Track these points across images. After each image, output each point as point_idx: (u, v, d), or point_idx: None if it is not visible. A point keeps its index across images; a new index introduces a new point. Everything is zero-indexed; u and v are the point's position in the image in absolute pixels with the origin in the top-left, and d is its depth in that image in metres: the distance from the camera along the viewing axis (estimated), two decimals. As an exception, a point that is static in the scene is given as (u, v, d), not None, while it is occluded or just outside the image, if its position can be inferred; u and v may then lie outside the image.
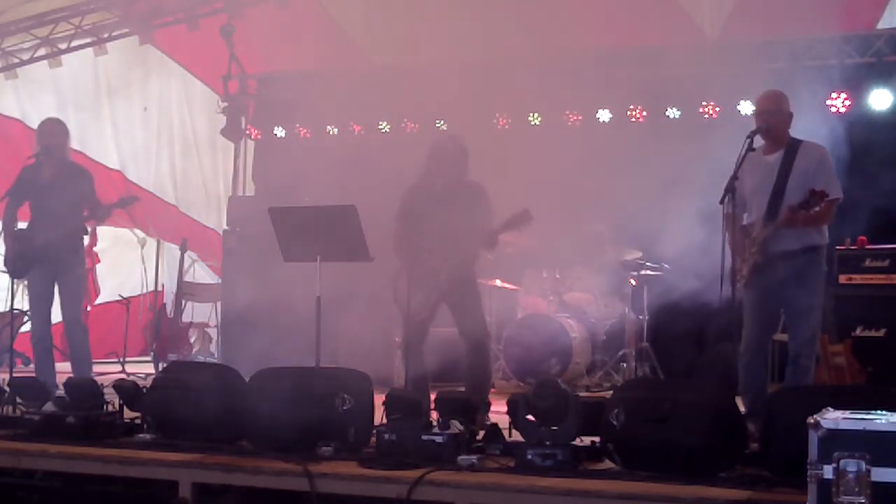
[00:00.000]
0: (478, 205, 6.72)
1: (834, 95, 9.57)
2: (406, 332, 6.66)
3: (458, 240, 6.63)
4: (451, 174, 6.78)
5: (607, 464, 5.22)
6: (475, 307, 6.85)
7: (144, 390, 6.26)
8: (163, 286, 12.53)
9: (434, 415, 5.58)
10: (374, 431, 5.56)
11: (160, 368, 9.67)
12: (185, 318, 11.78)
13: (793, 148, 6.28)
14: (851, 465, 3.95)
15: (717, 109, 10.04)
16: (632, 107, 10.37)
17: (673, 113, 10.25)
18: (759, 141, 6.19)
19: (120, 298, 11.92)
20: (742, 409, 5.74)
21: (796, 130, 6.51)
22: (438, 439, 5.30)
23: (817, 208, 5.93)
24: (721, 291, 5.90)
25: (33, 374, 7.86)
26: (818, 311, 6.37)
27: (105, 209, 8.13)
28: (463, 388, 6.81)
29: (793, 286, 6.20)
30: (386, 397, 5.65)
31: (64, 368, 8.36)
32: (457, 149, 6.87)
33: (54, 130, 8.07)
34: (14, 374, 7.72)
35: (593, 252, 9.71)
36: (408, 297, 6.38)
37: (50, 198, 7.83)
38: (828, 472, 3.98)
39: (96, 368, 9.95)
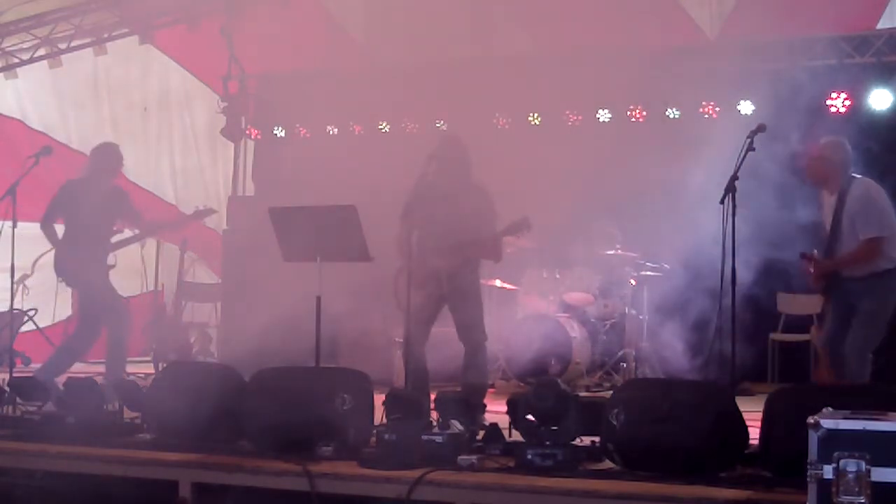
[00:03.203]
0: (482, 209, 6.74)
1: (834, 95, 9.58)
2: (406, 331, 6.66)
3: (460, 241, 6.63)
4: (454, 175, 6.79)
5: (607, 464, 5.22)
6: (475, 312, 6.84)
7: (144, 390, 6.26)
8: (163, 286, 12.51)
9: (434, 415, 5.58)
10: (374, 431, 5.56)
11: (160, 368, 9.67)
12: (185, 318, 11.76)
13: (844, 190, 6.56)
14: (851, 465, 3.95)
15: (717, 109, 10.04)
16: (632, 107, 10.38)
17: (673, 113, 10.25)
18: (759, 141, 6.20)
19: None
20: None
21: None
22: (438, 439, 5.29)
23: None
24: (721, 290, 5.91)
25: (33, 375, 7.86)
26: (878, 321, 6.58)
27: (172, 224, 8.85)
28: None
29: (860, 293, 6.53)
30: (386, 397, 5.65)
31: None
32: (459, 150, 6.88)
33: (109, 153, 8.47)
34: (14, 374, 7.72)
35: (598, 251, 9.71)
36: (407, 297, 6.38)
37: (90, 217, 8.11)
38: (828, 472, 3.98)
39: (96, 368, 9.96)
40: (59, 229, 8.39)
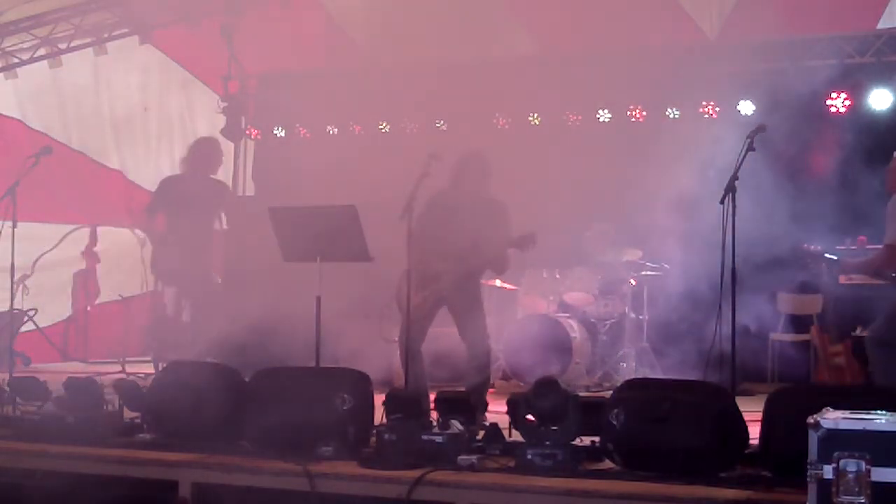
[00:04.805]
0: (497, 224, 6.81)
1: (834, 95, 9.59)
2: (407, 333, 6.67)
3: (468, 250, 6.67)
4: (472, 189, 6.90)
5: (607, 464, 5.22)
6: (478, 317, 6.92)
7: (144, 390, 6.26)
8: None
9: (434, 415, 5.58)
10: (374, 431, 5.56)
11: (160, 368, 9.67)
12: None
13: None
14: (851, 465, 3.95)
15: (717, 109, 10.05)
16: (632, 107, 10.38)
17: (673, 113, 10.25)
18: (759, 141, 6.21)
19: (120, 298, 11.92)
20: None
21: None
22: (438, 439, 5.29)
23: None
24: (721, 290, 5.90)
25: (33, 375, 7.86)
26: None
27: None
28: (462, 388, 6.84)
29: None
30: (386, 397, 5.65)
31: (64, 368, 8.35)
32: (481, 164, 6.99)
33: (208, 147, 8.53)
34: (14, 374, 7.72)
35: (598, 251, 9.72)
36: (408, 297, 6.39)
37: (191, 212, 8.05)
38: (828, 472, 3.98)
39: (96, 368, 9.97)
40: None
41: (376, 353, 8.75)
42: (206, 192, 8.20)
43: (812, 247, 7.00)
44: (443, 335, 7.20)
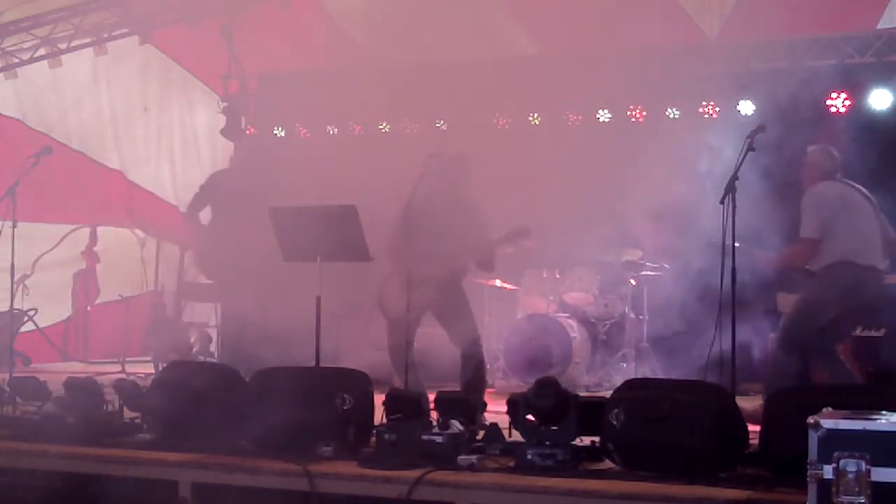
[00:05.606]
0: (471, 228, 6.77)
1: (834, 95, 9.59)
2: (407, 334, 6.67)
3: (449, 252, 6.66)
4: (445, 192, 6.84)
5: (607, 464, 5.22)
6: (465, 316, 6.92)
7: (144, 390, 6.26)
8: (163, 286, 12.53)
9: (434, 415, 5.58)
10: (374, 431, 5.56)
11: (160, 368, 9.67)
12: (185, 318, 11.78)
13: None
14: (851, 465, 3.95)
15: (717, 109, 10.05)
16: (632, 107, 10.37)
17: (673, 113, 10.25)
18: (759, 141, 6.21)
19: (120, 298, 11.92)
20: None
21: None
22: (438, 439, 5.30)
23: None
24: (721, 290, 5.90)
25: (33, 375, 7.86)
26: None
27: None
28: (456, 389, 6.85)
29: None
30: (386, 397, 5.66)
31: (64, 368, 8.35)
32: (456, 168, 6.96)
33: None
34: (14, 374, 7.72)
35: (597, 254, 9.73)
36: (408, 298, 6.39)
37: (238, 206, 7.94)
38: (828, 472, 3.98)
39: (96, 368, 9.96)
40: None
41: (374, 353, 8.77)
42: (254, 187, 8.17)
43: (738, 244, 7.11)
44: (424, 336, 7.19)
